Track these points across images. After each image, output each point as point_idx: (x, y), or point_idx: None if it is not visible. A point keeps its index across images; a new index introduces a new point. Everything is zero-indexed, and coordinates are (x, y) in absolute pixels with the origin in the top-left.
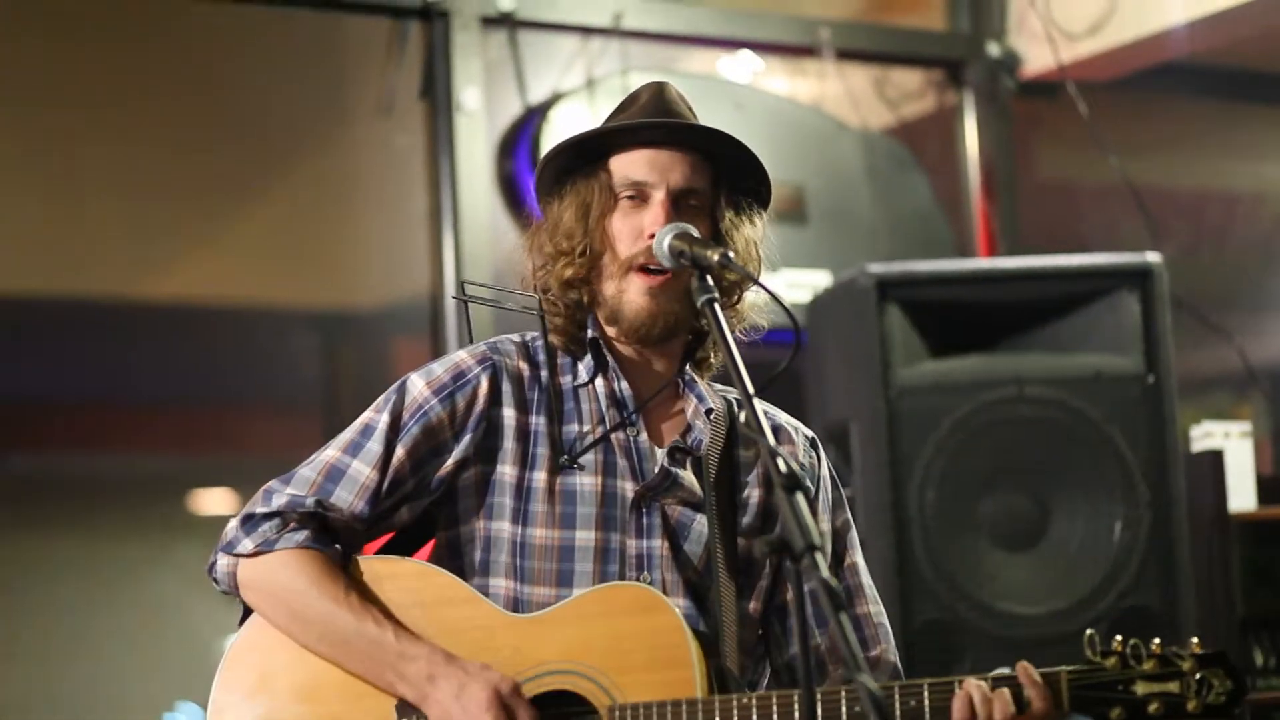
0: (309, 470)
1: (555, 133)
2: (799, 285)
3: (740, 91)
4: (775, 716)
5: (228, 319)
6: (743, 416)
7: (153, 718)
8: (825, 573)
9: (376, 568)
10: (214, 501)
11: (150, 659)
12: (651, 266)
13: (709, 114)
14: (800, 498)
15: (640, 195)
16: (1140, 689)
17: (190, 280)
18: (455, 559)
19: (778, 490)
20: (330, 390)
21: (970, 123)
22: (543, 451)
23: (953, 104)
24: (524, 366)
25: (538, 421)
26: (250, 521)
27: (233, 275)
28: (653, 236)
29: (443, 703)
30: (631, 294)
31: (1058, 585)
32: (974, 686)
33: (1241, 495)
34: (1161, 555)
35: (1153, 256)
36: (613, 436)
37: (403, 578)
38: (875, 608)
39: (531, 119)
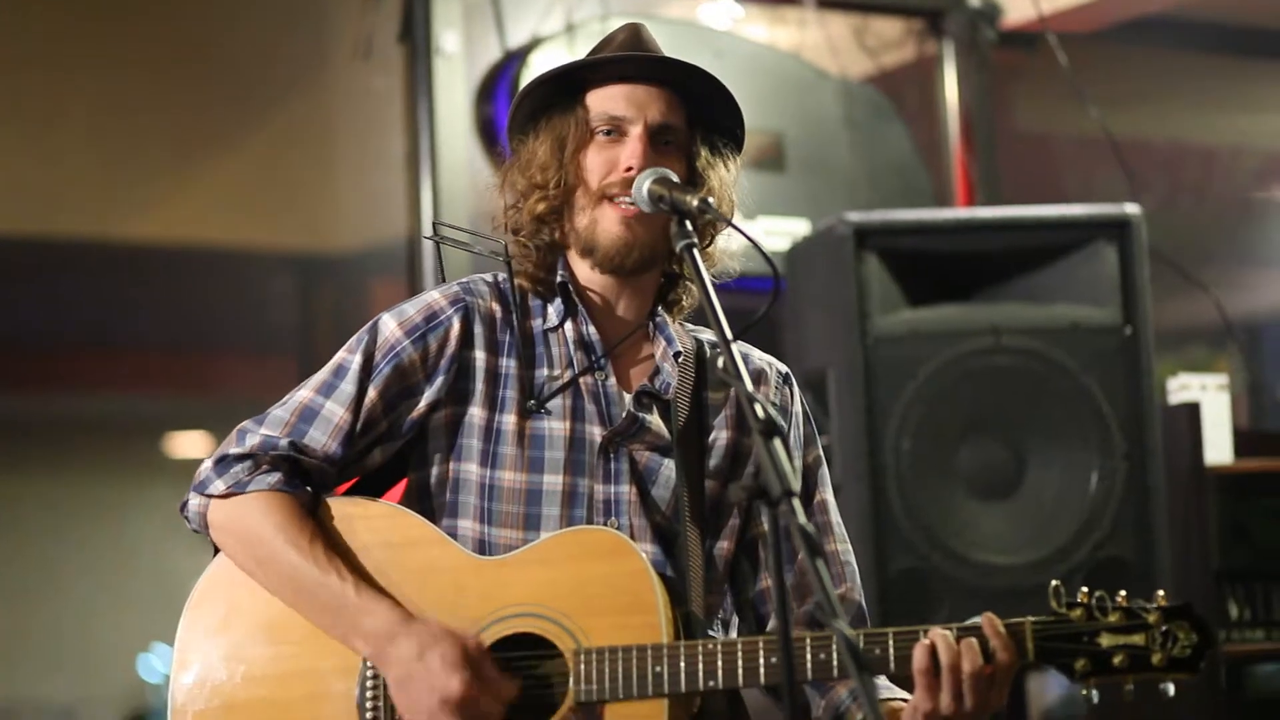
0: (282, 411)
1: (534, 77)
2: (777, 233)
3: (720, 38)
4: (740, 662)
5: (204, 261)
6: (720, 362)
7: (127, 658)
8: (802, 518)
9: (346, 508)
10: (190, 444)
11: (125, 600)
12: (625, 199)
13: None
14: (778, 443)
15: (616, 130)
16: (1105, 641)
17: (167, 222)
18: (424, 500)
19: (755, 436)
20: (307, 333)
21: (950, 73)
22: (511, 395)
23: (932, 54)
24: (496, 308)
25: (508, 364)
26: (223, 462)
27: (210, 217)
28: (629, 170)
29: (403, 661)
30: (606, 223)
31: (1033, 535)
32: (939, 636)
33: (1217, 448)
34: (1137, 507)
35: (1131, 208)
36: (581, 381)
37: (372, 519)
38: (842, 545)
39: (510, 63)
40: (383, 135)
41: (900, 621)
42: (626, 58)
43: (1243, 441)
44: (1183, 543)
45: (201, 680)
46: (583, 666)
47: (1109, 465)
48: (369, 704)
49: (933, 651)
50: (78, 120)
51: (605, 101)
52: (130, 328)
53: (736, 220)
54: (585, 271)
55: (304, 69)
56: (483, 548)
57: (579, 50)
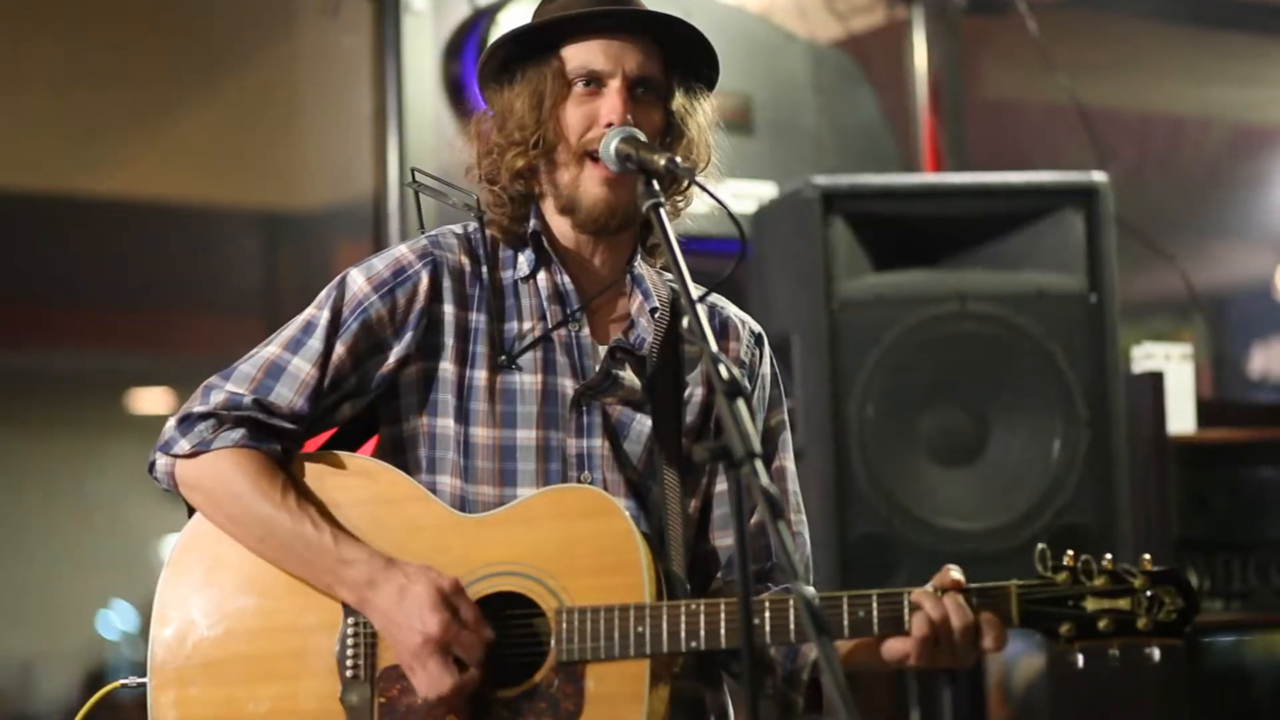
0: (249, 366)
1: (510, 31)
2: (744, 196)
3: (689, 0)
4: (723, 623)
5: (169, 217)
6: (685, 321)
7: (87, 616)
8: (765, 480)
9: (326, 464)
10: (153, 400)
11: (85, 557)
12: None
13: None
14: (741, 404)
15: (595, 82)
16: (1090, 605)
17: (132, 178)
18: (399, 455)
19: (718, 396)
20: (271, 291)
21: (919, 38)
22: (482, 350)
23: (902, 19)
24: (465, 261)
25: (478, 319)
26: (187, 421)
27: (175, 173)
28: (609, 125)
29: (384, 607)
30: (588, 184)
31: (995, 502)
32: (925, 595)
33: (1180, 418)
34: (1099, 475)
35: (1098, 176)
36: (554, 333)
37: (351, 474)
38: (796, 516)
39: (479, 21)
40: (350, 93)
41: (861, 586)
42: (607, 13)
43: (1205, 412)
44: (1143, 512)
45: (182, 636)
46: (564, 626)
47: (1072, 433)
48: (349, 659)
49: (929, 617)
50: (43, 76)
51: (583, 55)
52: (94, 284)
53: (704, 178)
54: (561, 225)
55: (272, 26)
56: (462, 504)
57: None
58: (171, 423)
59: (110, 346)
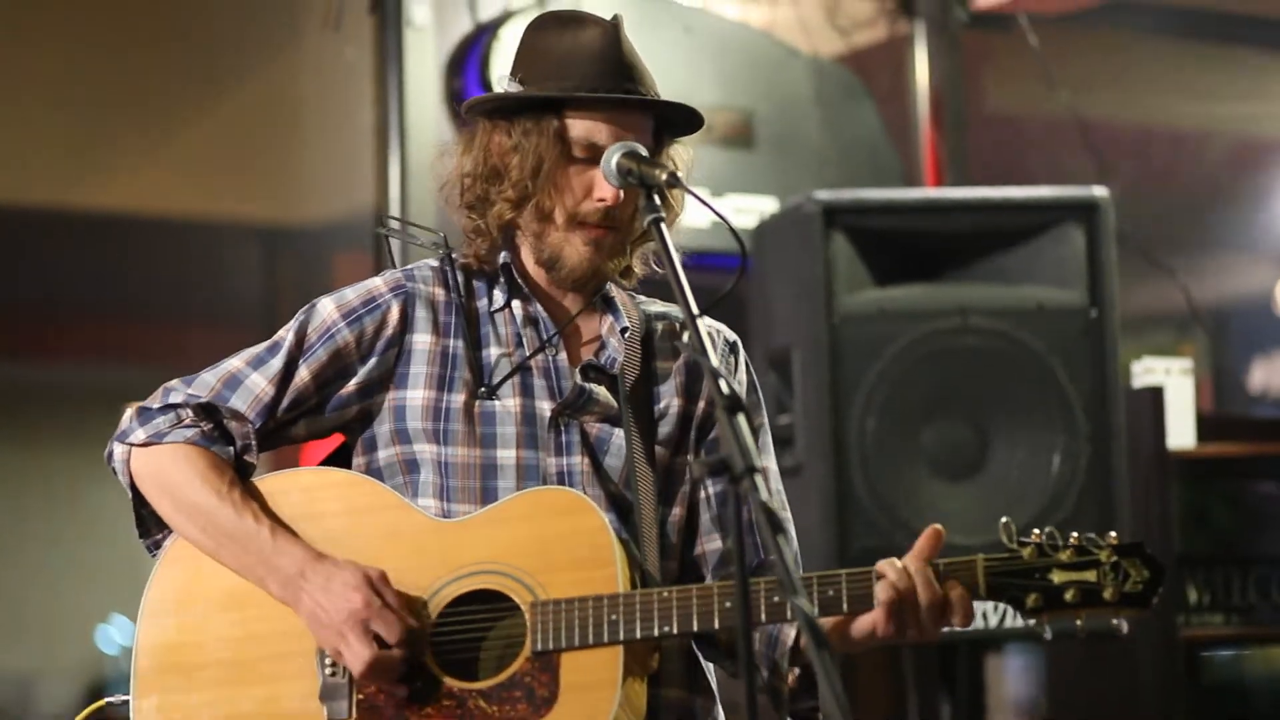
0: (210, 375)
1: (505, 50)
2: (745, 210)
3: (690, 15)
4: (695, 609)
5: (170, 230)
6: (685, 336)
7: (86, 630)
8: (765, 495)
9: (308, 478)
10: None
11: (83, 571)
12: (597, 225)
13: (658, 38)
14: (741, 418)
15: (595, 153)
16: (1057, 577)
17: (132, 190)
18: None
19: (719, 411)
20: (270, 304)
21: (921, 53)
22: (461, 375)
23: (904, 34)
24: (439, 292)
25: (455, 344)
26: (146, 413)
27: (176, 186)
28: (601, 201)
29: (313, 594)
30: (577, 244)
31: (996, 516)
32: (891, 567)
33: (1180, 433)
34: (1100, 490)
35: (1099, 190)
36: (531, 360)
37: (331, 485)
38: (782, 514)
39: (481, 36)
40: (352, 106)
41: None
42: (621, 99)
43: (1206, 426)
44: (1144, 526)
45: (164, 647)
46: (539, 618)
47: (1072, 447)
48: (329, 659)
49: (893, 584)
50: (44, 88)
51: (587, 128)
52: (94, 297)
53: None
54: (536, 269)
55: (273, 39)
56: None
57: None
58: (130, 413)
59: (110, 360)
